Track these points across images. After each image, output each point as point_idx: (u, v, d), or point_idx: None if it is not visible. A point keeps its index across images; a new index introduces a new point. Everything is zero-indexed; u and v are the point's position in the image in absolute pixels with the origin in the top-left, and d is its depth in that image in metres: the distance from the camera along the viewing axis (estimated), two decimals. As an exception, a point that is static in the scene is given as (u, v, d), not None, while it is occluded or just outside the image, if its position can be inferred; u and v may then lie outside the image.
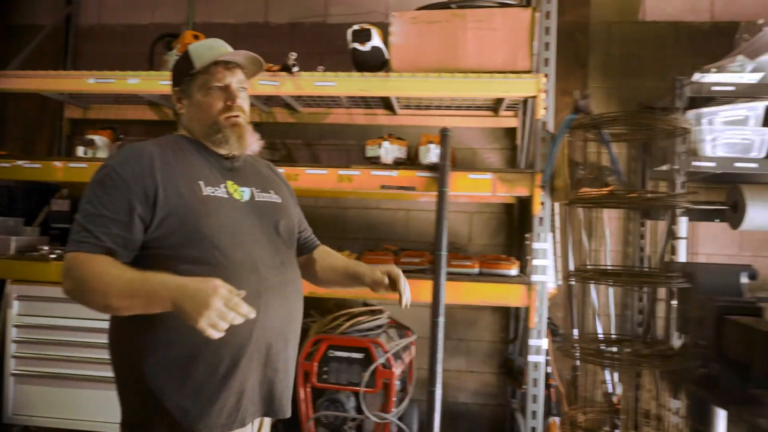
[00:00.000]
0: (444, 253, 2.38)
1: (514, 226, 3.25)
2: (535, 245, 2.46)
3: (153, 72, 2.70)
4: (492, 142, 3.27)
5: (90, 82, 2.68)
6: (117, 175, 1.37)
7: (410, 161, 2.93)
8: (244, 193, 1.53)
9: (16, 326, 2.83)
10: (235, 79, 1.53)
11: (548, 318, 2.99)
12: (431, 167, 2.54)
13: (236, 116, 1.51)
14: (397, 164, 2.72)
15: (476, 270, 2.72)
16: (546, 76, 2.44)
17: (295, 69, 2.54)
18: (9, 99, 3.52)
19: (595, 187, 3.10)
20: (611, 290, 3.08)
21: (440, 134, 2.49)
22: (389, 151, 2.64)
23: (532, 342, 2.47)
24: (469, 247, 3.27)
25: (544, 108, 2.43)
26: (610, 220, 3.16)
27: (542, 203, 2.43)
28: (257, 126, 3.29)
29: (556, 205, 3.12)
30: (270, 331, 1.45)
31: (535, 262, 2.45)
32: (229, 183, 1.51)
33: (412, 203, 3.31)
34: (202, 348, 1.35)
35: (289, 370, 1.56)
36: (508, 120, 3.20)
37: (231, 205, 1.47)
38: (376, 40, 2.49)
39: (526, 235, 3.10)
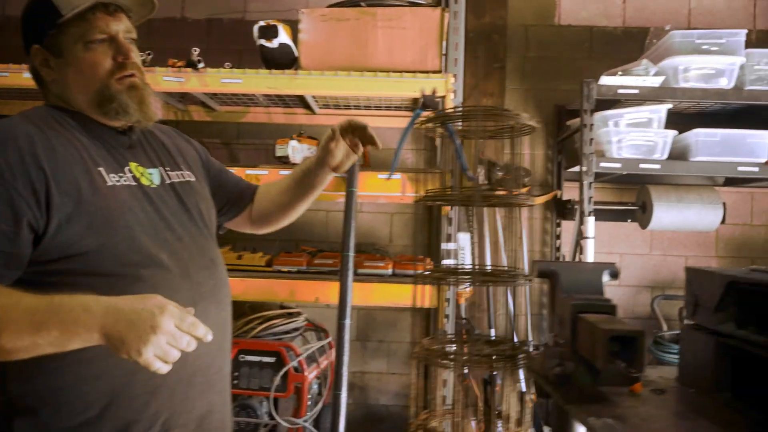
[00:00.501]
0: (351, 254, 2.34)
1: (433, 227, 3.25)
2: (444, 246, 2.45)
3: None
4: (413, 143, 3.27)
5: (-19, 75, 2.53)
6: None
7: (324, 161, 2.89)
8: (153, 176, 1.23)
9: None
10: (122, 27, 1.20)
11: (465, 318, 3.01)
12: (341, 167, 2.50)
13: (131, 75, 1.19)
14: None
15: (389, 271, 2.70)
16: (455, 76, 2.44)
17: (201, 65, 2.46)
18: None
19: (512, 188, 3.14)
20: (527, 290, 3.11)
21: (350, 133, 2.46)
22: (297, 150, 2.59)
23: (442, 343, 2.46)
24: (390, 248, 3.26)
25: (453, 108, 2.43)
26: (529, 220, 3.20)
27: (451, 203, 2.43)
28: (174, 124, 3.21)
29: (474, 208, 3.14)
30: (209, 346, 1.13)
31: (444, 262, 2.44)
32: (133, 165, 1.21)
33: (332, 204, 3.27)
34: (125, 384, 1.07)
35: (230, 390, 1.32)
36: (427, 120, 3.20)
37: (143, 195, 1.18)
38: (283, 37, 2.43)
39: (445, 236, 3.11)
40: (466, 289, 2.98)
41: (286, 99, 2.99)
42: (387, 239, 3.28)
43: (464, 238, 3.05)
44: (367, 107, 3.11)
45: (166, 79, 2.46)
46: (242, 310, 2.96)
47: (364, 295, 2.45)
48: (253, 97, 2.98)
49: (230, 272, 1.37)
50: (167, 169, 1.30)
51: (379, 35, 2.46)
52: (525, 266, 3.15)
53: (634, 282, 3.14)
